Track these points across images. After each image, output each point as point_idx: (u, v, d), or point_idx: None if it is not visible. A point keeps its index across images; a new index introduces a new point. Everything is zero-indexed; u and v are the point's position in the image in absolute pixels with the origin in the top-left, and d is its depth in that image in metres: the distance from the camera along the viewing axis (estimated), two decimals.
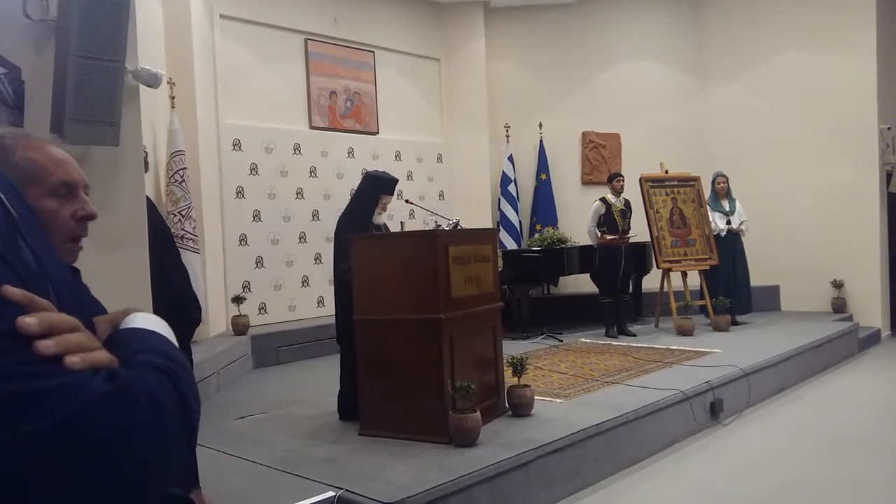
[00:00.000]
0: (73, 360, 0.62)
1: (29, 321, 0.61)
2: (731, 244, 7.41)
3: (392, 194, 4.47)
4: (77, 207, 1.18)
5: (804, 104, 8.35)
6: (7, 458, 0.57)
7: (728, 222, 7.43)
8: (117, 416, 0.62)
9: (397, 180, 4.54)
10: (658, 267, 7.30)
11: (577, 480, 3.72)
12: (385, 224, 4.51)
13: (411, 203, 5.68)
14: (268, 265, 7.18)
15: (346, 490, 3.04)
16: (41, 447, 0.58)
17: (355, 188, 4.78)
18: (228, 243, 6.89)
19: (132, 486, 0.63)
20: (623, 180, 7.25)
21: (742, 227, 7.45)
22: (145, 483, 0.64)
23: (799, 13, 8.34)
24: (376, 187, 4.37)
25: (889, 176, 8.22)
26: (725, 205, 7.50)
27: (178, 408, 0.68)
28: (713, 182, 7.55)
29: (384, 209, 4.40)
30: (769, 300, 8.42)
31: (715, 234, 7.39)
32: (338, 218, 4.50)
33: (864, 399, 5.46)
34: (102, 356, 0.66)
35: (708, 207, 7.48)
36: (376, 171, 4.66)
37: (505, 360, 4.20)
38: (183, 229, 5.76)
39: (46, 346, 0.61)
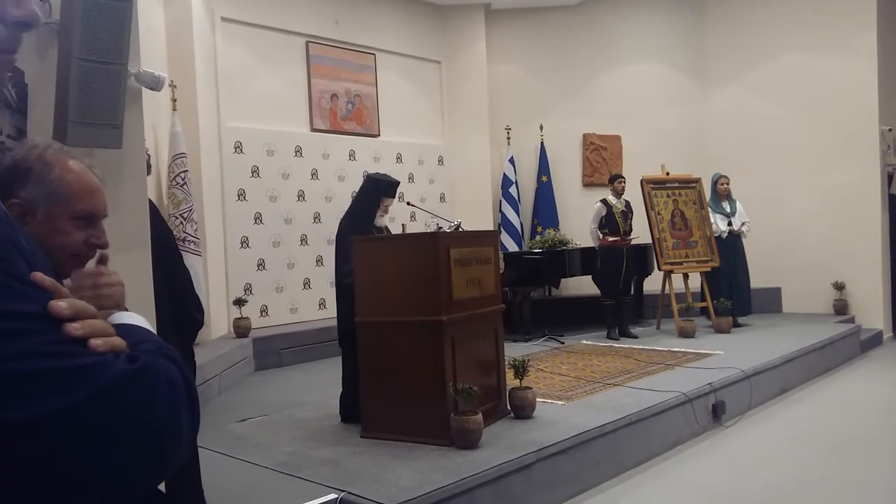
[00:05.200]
0: (97, 342, 0.68)
1: (61, 304, 0.67)
2: (731, 246, 7.40)
3: (394, 197, 4.47)
4: (91, 234, 1.24)
5: (805, 106, 8.35)
6: (37, 431, 0.61)
7: (729, 224, 7.42)
8: (143, 391, 0.67)
9: (398, 183, 4.54)
10: (659, 269, 7.30)
11: (579, 483, 3.71)
12: (386, 226, 4.51)
13: (413, 205, 5.67)
14: (269, 267, 7.19)
15: (349, 492, 3.04)
16: (71, 420, 0.62)
17: (357, 191, 4.79)
18: (230, 246, 6.90)
19: (151, 457, 0.68)
20: (624, 182, 7.25)
21: (744, 228, 7.44)
22: (162, 454, 0.69)
23: (800, 15, 8.34)
24: (378, 190, 4.37)
25: (890, 177, 8.21)
26: (726, 206, 7.48)
27: (184, 389, 0.74)
28: (715, 183, 7.52)
29: (386, 211, 4.40)
30: (771, 302, 8.41)
31: (716, 235, 7.38)
32: (339, 220, 4.50)
33: (865, 401, 5.45)
34: (120, 341, 0.71)
35: (709, 209, 7.48)
36: (378, 173, 4.66)
37: (507, 362, 4.20)
38: (184, 232, 5.76)
39: (75, 328, 0.67)
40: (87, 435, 0.63)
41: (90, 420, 0.63)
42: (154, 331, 0.87)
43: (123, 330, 0.75)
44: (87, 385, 0.63)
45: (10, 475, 0.61)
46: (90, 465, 0.63)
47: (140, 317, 0.87)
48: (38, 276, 0.68)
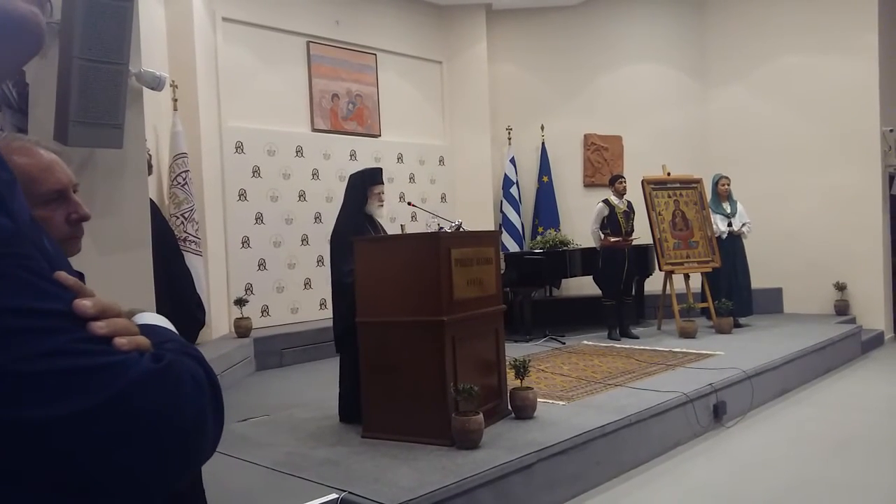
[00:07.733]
0: (121, 341, 0.67)
1: (85, 303, 0.66)
2: (731, 246, 7.39)
3: (381, 183, 4.42)
4: (70, 211, 1.18)
5: (806, 106, 8.34)
6: (61, 430, 0.60)
7: (729, 224, 7.42)
8: (168, 390, 0.66)
9: (381, 169, 4.53)
10: (660, 269, 7.30)
11: (579, 483, 3.71)
12: (380, 222, 4.48)
13: (413, 205, 5.67)
14: (270, 267, 7.19)
15: (349, 492, 3.04)
16: (96, 419, 0.61)
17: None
18: (231, 246, 6.90)
19: (177, 456, 0.67)
20: (625, 182, 7.25)
21: (744, 229, 7.43)
22: (188, 454, 0.69)
23: (801, 15, 8.34)
24: (363, 181, 4.37)
25: (891, 178, 8.20)
26: (727, 207, 7.48)
27: (209, 388, 0.73)
28: (715, 184, 7.53)
29: (380, 200, 4.37)
30: (772, 302, 8.41)
31: (716, 236, 7.38)
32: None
33: (867, 401, 5.44)
34: (144, 340, 0.70)
35: (709, 209, 7.48)
36: (359, 169, 4.65)
37: (507, 363, 4.20)
38: (185, 232, 5.77)
39: (99, 326, 0.66)
40: (112, 434, 0.62)
41: (115, 419, 0.62)
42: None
43: (146, 330, 0.74)
44: (112, 383, 0.62)
45: (31, 475, 0.60)
46: (114, 465, 0.62)
47: (161, 317, 0.86)
48: (62, 274, 0.67)
